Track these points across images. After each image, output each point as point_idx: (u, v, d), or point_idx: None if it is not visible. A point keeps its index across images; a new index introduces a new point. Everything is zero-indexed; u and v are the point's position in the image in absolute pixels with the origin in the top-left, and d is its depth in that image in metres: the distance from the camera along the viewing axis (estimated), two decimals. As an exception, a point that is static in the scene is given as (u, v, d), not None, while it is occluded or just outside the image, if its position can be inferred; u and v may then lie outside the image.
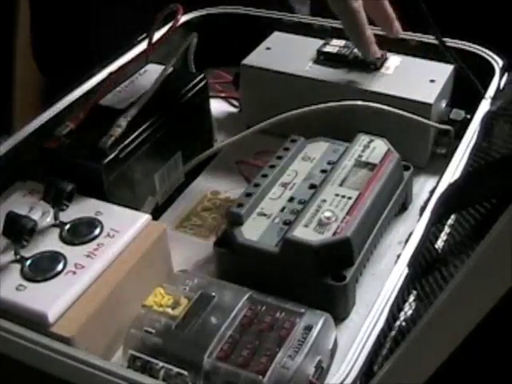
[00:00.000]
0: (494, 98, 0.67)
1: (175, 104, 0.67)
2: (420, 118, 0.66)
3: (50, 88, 1.03)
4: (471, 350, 0.33)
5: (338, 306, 0.55)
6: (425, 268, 0.49)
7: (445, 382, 0.34)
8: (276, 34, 0.80)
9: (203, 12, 0.85)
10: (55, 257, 0.53)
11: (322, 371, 0.50)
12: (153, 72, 0.70)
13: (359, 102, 0.65)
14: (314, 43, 0.76)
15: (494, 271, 0.30)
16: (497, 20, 0.90)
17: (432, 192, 0.59)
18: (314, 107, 0.63)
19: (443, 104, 0.71)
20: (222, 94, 0.80)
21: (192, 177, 0.71)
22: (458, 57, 0.71)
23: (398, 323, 0.45)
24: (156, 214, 0.65)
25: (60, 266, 0.52)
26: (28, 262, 0.53)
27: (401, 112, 0.65)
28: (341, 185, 0.60)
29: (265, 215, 0.58)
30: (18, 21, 1.16)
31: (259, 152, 0.65)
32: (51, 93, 0.73)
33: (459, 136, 0.65)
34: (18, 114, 1.20)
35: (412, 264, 0.50)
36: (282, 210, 0.59)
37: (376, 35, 0.77)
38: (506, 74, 0.71)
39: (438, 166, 0.67)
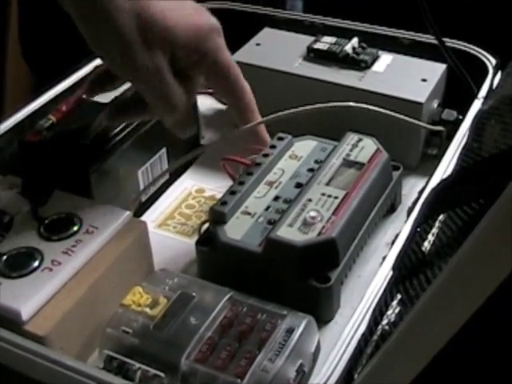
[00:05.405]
0: (486, 98, 0.66)
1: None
2: (411, 119, 0.64)
3: (40, 86, 1.02)
4: (451, 357, 0.31)
5: (322, 309, 0.54)
6: (410, 270, 0.48)
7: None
8: (266, 30, 0.79)
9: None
10: (32, 253, 0.52)
11: (303, 375, 0.49)
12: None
13: (352, 104, 0.62)
14: (305, 40, 0.75)
15: (477, 274, 0.29)
16: (489, 18, 0.89)
17: (420, 193, 0.57)
18: (302, 108, 0.60)
19: (435, 104, 0.70)
20: (210, 91, 0.79)
21: (177, 174, 0.70)
22: (454, 56, 0.70)
23: (380, 327, 0.44)
24: (139, 211, 0.64)
25: (36, 263, 0.51)
26: (3, 258, 0.51)
27: (392, 113, 0.63)
28: (327, 184, 0.59)
29: (249, 214, 0.57)
30: (10, 19, 1.15)
31: (245, 149, 0.63)
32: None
33: (451, 137, 0.64)
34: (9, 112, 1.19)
35: (397, 266, 0.49)
36: (267, 209, 0.57)
37: (367, 33, 0.76)
38: (499, 73, 0.70)
39: (429, 167, 0.66)
